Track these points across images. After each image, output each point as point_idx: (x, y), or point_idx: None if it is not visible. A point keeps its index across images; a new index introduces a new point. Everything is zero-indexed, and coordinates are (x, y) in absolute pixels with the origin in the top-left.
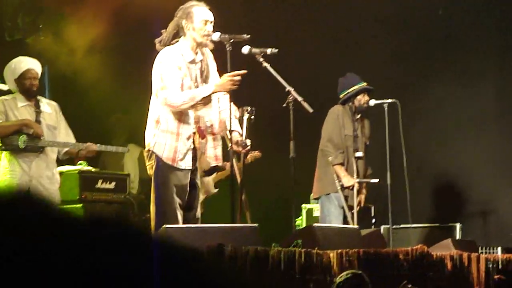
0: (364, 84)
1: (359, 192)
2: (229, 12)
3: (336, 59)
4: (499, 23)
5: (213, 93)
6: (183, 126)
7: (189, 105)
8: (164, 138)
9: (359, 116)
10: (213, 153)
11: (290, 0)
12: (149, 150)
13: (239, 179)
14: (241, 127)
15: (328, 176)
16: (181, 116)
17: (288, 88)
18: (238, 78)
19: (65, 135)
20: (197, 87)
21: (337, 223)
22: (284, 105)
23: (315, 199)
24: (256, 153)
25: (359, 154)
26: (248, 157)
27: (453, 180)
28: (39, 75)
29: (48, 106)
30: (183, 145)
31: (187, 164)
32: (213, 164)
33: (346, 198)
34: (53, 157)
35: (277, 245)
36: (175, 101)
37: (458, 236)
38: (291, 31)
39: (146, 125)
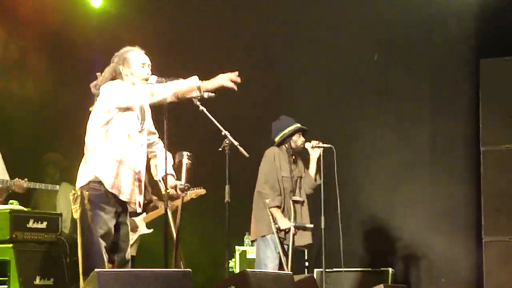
0: (298, 125)
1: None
2: (165, 57)
3: (272, 104)
4: (433, 70)
5: (199, 87)
6: (128, 154)
7: (171, 96)
8: (106, 164)
9: (293, 157)
10: (137, 199)
11: (226, 44)
12: (74, 194)
13: (173, 227)
14: (180, 172)
15: (264, 218)
16: (126, 148)
17: (224, 132)
18: (235, 77)
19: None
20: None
21: (272, 266)
22: (220, 149)
23: (252, 241)
24: (200, 190)
25: (297, 198)
26: (191, 193)
27: (386, 225)
28: None
29: None
30: (124, 173)
31: (125, 194)
32: (138, 210)
33: (281, 241)
34: None
35: None
36: (160, 90)
37: (390, 280)
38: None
39: (80, 163)
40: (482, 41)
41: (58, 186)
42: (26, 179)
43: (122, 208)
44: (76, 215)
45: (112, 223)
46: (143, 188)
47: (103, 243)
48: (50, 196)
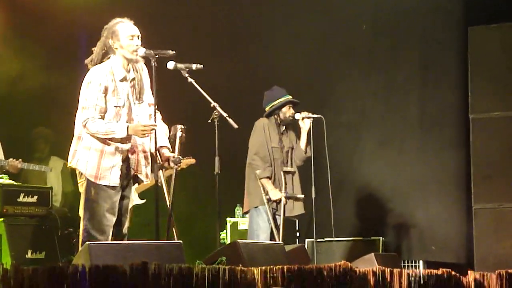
0: (289, 97)
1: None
2: (154, 28)
3: (261, 74)
4: (422, 40)
5: (126, 136)
6: (107, 142)
7: (102, 137)
8: (87, 155)
9: (284, 128)
10: (144, 171)
11: (215, 16)
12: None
13: (167, 197)
14: (174, 144)
15: (256, 190)
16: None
17: (213, 103)
18: (150, 129)
19: None
20: (129, 104)
21: (264, 237)
22: (209, 120)
23: (244, 213)
24: (190, 160)
25: (288, 168)
26: (182, 163)
27: (376, 194)
28: None
29: None
30: (107, 162)
31: (111, 181)
32: (145, 181)
33: (273, 211)
34: None
35: (201, 262)
36: (91, 128)
37: (381, 249)
38: (216, 46)
39: (70, 139)
40: (469, 9)
41: (50, 167)
42: (20, 160)
43: (127, 182)
44: (81, 189)
45: (117, 197)
46: (150, 158)
47: (108, 217)
48: (40, 170)
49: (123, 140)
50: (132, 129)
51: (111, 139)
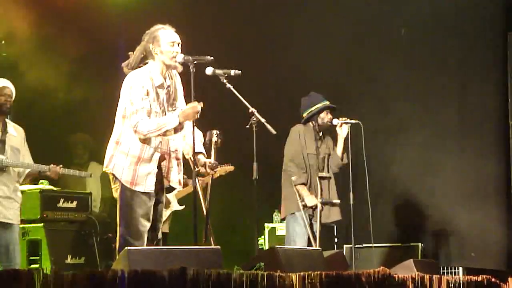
0: (327, 102)
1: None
2: (193, 35)
3: (299, 80)
4: (461, 45)
5: (179, 123)
6: (145, 149)
7: (156, 134)
8: (123, 161)
9: (321, 134)
10: (177, 178)
11: (253, 22)
12: (112, 173)
13: (203, 204)
14: (209, 150)
15: (293, 196)
16: (144, 139)
17: (252, 109)
18: (200, 107)
19: (28, 161)
20: (163, 111)
21: (301, 243)
22: (248, 126)
23: (282, 219)
24: (229, 167)
25: (323, 174)
26: (220, 170)
27: (414, 200)
28: (13, 95)
29: (14, 130)
30: (144, 169)
31: (147, 188)
32: (178, 188)
33: (310, 218)
34: (15, 177)
35: (240, 268)
36: (142, 129)
37: (419, 255)
38: (254, 52)
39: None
40: (509, 14)
41: (90, 173)
42: (61, 166)
43: (160, 186)
44: (116, 194)
45: (151, 202)
46: (182, 165)
47: (143, 223)
48: (81, 177)
49: (176, 128)
50: (183, 115)
51: (164, 134)
